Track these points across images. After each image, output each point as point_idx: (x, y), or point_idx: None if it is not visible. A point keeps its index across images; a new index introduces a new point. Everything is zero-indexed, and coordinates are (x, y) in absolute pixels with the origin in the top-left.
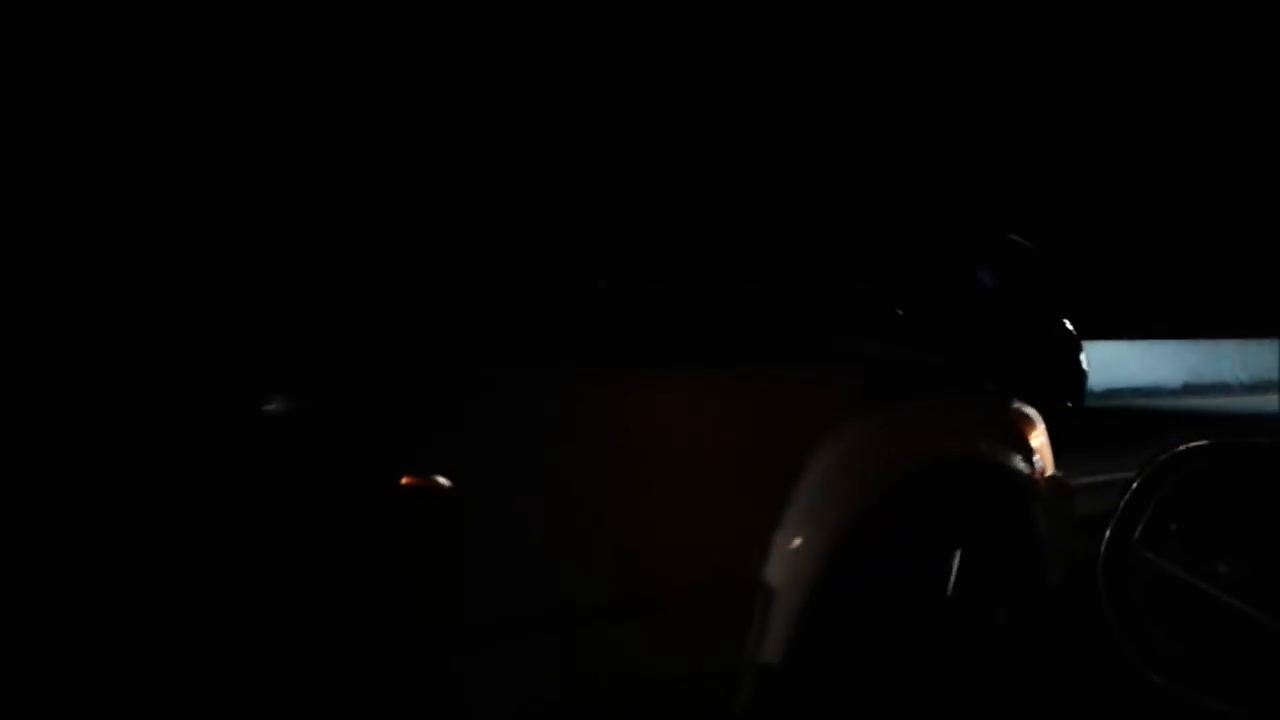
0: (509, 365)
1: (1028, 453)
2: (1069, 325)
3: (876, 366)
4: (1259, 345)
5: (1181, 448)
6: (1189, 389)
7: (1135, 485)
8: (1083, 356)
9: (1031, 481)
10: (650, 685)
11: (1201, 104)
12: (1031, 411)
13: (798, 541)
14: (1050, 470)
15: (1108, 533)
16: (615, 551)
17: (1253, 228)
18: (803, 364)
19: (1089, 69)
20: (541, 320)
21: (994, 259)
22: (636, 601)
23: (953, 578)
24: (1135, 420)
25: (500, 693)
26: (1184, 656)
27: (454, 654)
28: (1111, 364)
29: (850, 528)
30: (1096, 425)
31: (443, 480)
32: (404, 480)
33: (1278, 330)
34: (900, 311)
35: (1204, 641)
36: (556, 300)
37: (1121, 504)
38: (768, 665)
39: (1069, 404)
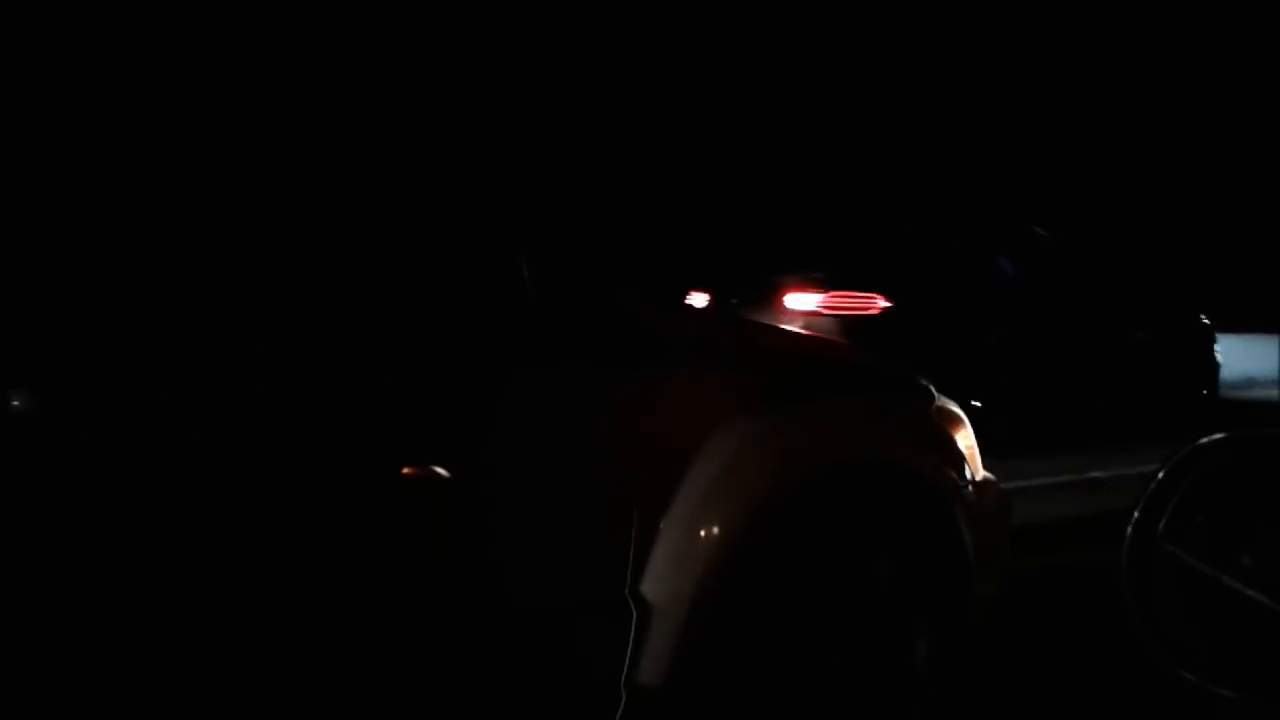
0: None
1: (953, 456)
2: (1204, 318)
3: (783, 364)
4: None
5: (1203, 441)
6: None
7: (1159, 478)
8: (1216, 348)
9: (956, 487)
10: (517, 705)
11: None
12: (958, 411)
13: (678, 552)
14: (980, 474)
15: (1131, 525)
16: (480, 560)
17: None
18: (690, 361)
19: (1170, 60)
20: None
21: (1017, 250)
22: (503, 613)
23: (874, 590)
24: (1270, 409)
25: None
26: (1204, 647)
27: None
28: (1235, 357)
29: (740, 536)
30: (1235, 413)
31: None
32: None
33: None
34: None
35: (1225, 633)
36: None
37: (1144, 497)
38: (647, 686)
39: (1204, 393)
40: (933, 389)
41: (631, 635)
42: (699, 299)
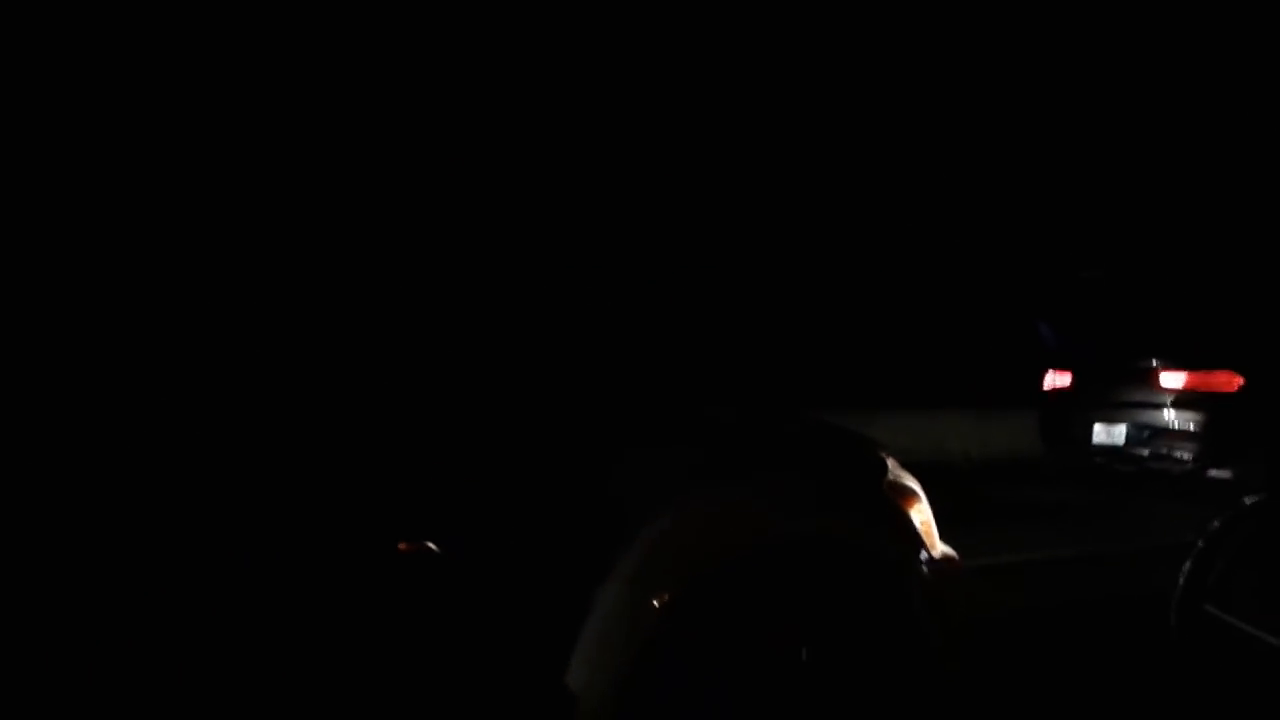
0: None
1: (904, 530)
2: None
3: (724, 436)
4: None
5: (1248, 500)
6: None
7: (1204, 540)
8: None
9: (906, 563)
10: None
11: None
12: (912, 483)
13: (595, 645)
14: (938, 549)
15: (1179, 588)
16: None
17: None
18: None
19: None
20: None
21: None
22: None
23: (802, 674)
24: None
25: None
26: (1257, 708)
27: None
28: None
29: (655, 632)
30: None
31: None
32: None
33: None
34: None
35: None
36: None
37: (1191, 558)
38: None
39: None
40: (888, 461)
41: None
42: (1061, 378)
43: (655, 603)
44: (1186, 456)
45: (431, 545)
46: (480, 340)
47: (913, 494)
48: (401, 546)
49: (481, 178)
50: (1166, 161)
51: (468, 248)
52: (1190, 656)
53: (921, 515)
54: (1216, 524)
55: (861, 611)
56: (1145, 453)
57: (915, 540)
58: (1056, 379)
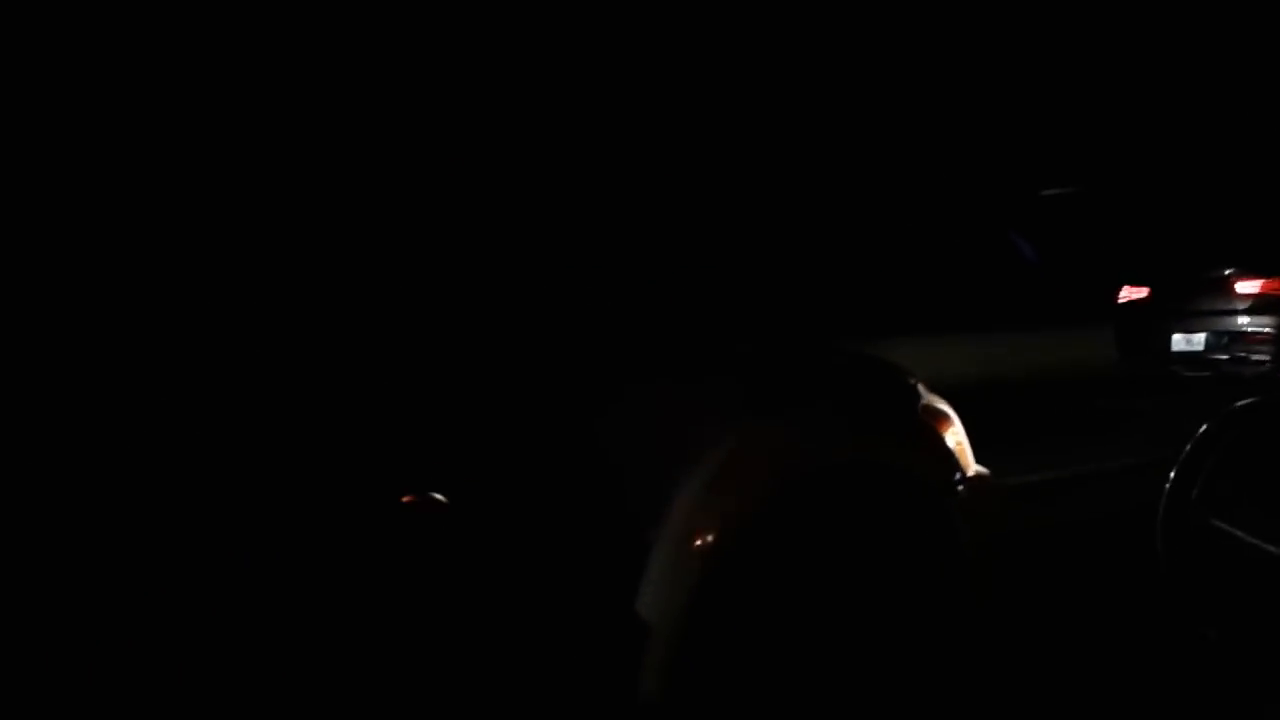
0: None
1: (940, 452)
2: None
3: (761, 370)
4: None
5: (1233, 406)
6: None
7: (1189, 447)
8: None
9: (943, 484)
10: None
11: None
12: (944, 406)
13: (669, 565)
14: (972, 470)
15: (1164, 495)
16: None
17: None
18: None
19: None
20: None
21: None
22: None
23: (863, 594)
24: None
25: None
26: (1241, 613)
27: None
28: None
29: (729, 546)
30: None
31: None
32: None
33: None
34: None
35: (1262, 598)
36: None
37: (1176, 466)
38: (647, 698)
39: None
40: (920, 387)
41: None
42: (1137, 291)
43: (715, 530)
44: (1261, 358)
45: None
46: (542, 288)
47: (945, 417)
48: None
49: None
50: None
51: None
52: (1180, 568)
53: (955, 437)
54: (1201, 430)
55: (903, 532)
56: (1224, 357)
57: (951, 461)
58: (1133, 292)
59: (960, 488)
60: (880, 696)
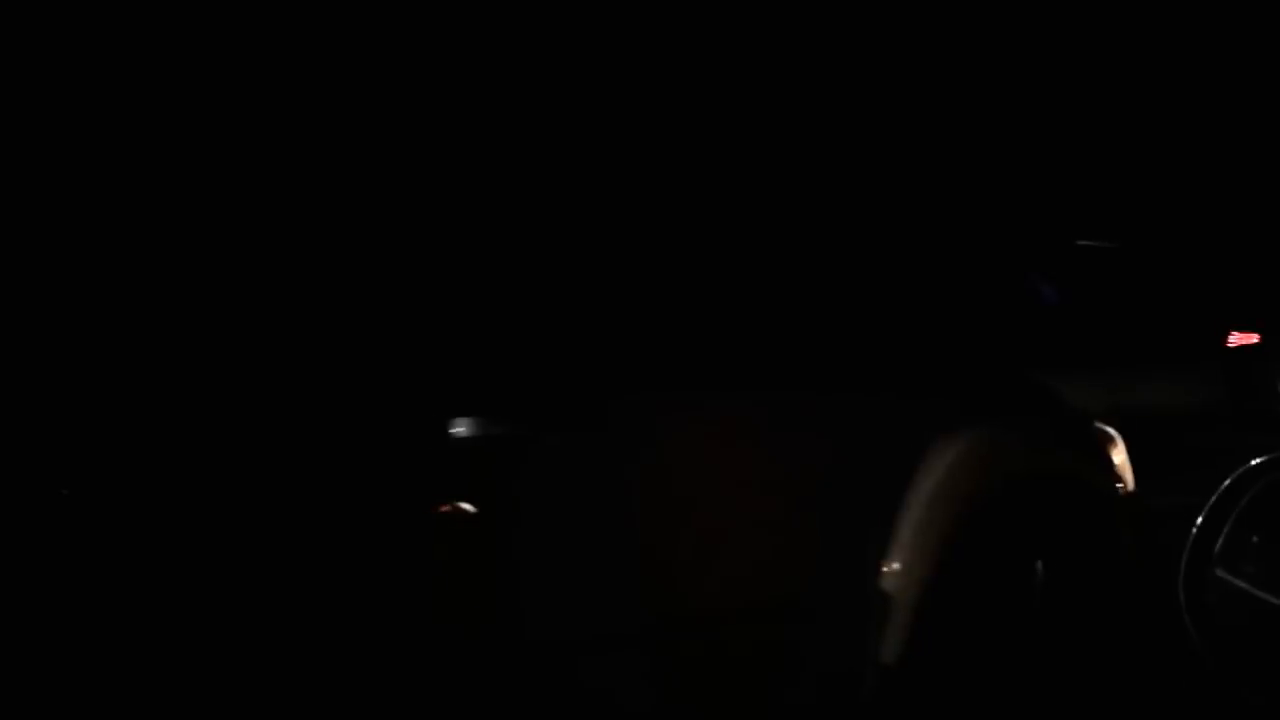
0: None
1: (1111, 467)
2: None
3: (968, 386)
4: None
5: (1256, 461)
6: None
7: (1213, 500)
8: None
9: (1114, 496)
10: (784, 685)
11: None
12: (1112, 431)
13: (906, 554)
14: (1131, 486)
15: (1187, 549)
16: (744, 564)
17: None
18: (903, 385)
19: None
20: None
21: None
22: (771, 608)
23: (1038, 588)
24: None
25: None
26: (1264, 669)
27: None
28: None
29: (949, 541)
30: None
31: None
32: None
33: None
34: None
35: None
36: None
37: (1200, 519)
38: (886, 665)
39: None
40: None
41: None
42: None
43: (947, 520)
44: None
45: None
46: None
47: (1113, 438)
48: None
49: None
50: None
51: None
52: (1207, 626)
53: (1120, 456)
54: (1226, 484)
55: (1083, 537)
56: None
57: (1118, 477)
58: (1242, 338)
59: (1125, 501)
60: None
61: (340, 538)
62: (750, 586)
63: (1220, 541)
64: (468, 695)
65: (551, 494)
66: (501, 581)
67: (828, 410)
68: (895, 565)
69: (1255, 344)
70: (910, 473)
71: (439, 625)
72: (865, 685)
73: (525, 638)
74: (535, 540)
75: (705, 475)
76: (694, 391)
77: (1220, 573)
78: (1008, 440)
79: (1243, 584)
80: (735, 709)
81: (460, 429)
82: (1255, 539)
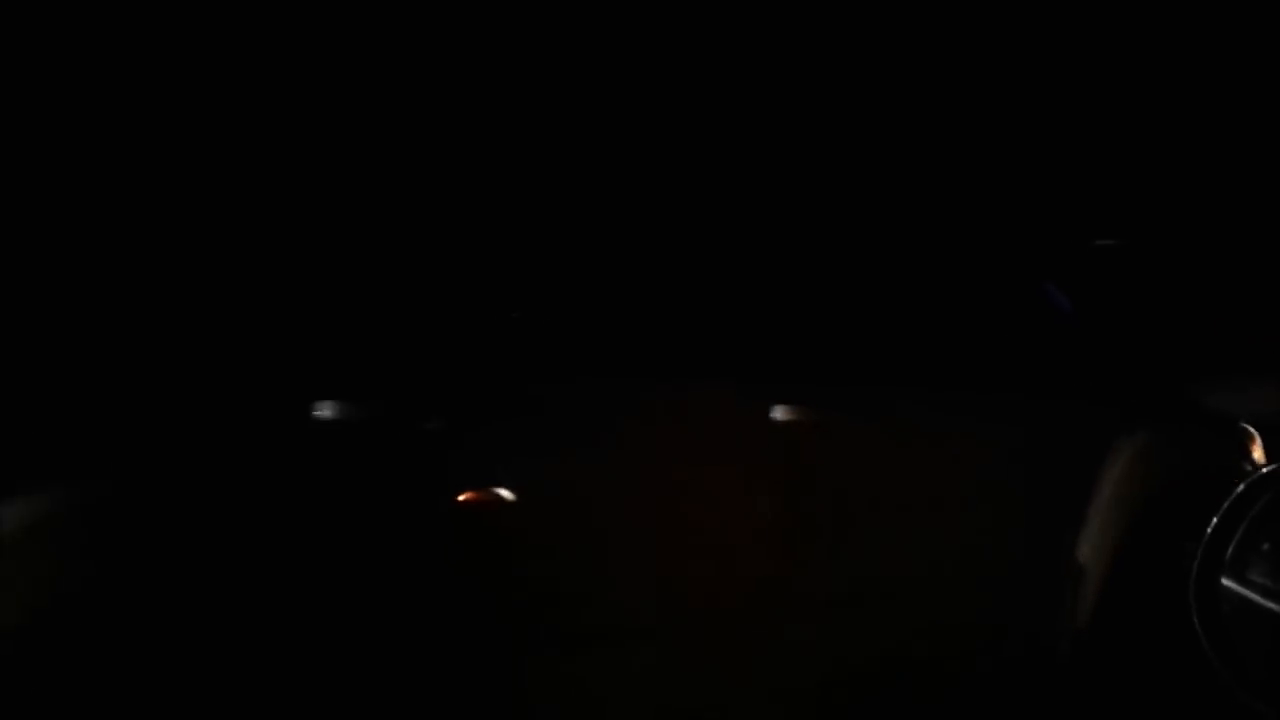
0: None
1: (1256, 464)
2: None
3: (1133, 393)
4: None
5: (1266, 469)
6: None
7: (1225, 508)
8: None
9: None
10: (998, 644)
11: None
12: (1252, 429)
13: (1095, 536)
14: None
15: (1198, 557)
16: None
17: None
18: (1088, 392)
19: None
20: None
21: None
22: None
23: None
24: None
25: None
26: (1273, 678)
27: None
28: None
29: (1127, 526)
30: None
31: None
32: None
33: None
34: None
35: None
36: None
37: (1212, 527)
38: (1079, 630)
39: None
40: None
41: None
42: None
43: (1124, 508)
44: None
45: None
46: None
47: (1254, 435)
48: None
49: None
50: None
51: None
52: (1220, 637)
53: (1258, 451)
54: (1232, 496)
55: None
56: None
57: (1261, 470)
58: None
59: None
60: None
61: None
62: (974, 559)
63: (1231, 549)
64: None
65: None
66: None
67: (1033, 413)
68: (1085, 547)
69: None
70: (1096, 467)
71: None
72: (1061, 647)
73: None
74: None
75: (950, 467)
76: (955, 394)
77: (1228, 581)
78: (1172, 441)
79: (1252, 594)
80: (958, 663)
81: None
82: (1266, 547)
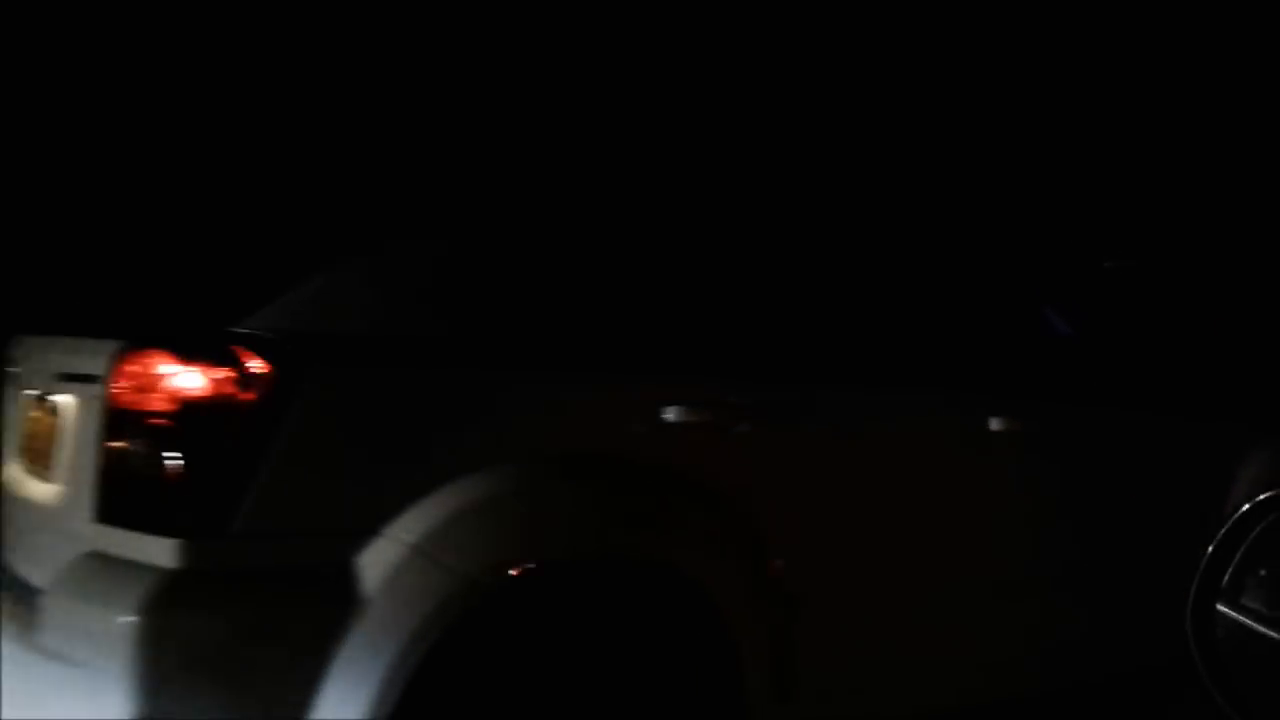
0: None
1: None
2: None
3: (1253, 408)
4: None
5: (1263, 496)
6: None
7: (1220, 535)
8: None
9: None
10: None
11: None
12: None
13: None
14: None
15: (1194, 583)
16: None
17: None
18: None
19: None
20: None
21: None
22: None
23: None
24: None
25: None
26: (1271, 704)
27: None
28: None
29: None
30: None
31: None
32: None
33: None
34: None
35: None
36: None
37: (1207, 554)
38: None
39: None
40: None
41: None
42: None
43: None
44: None
45: None
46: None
47: None
48: None
49: None
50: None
51: None
52: (1216, 663)
53: None
54: (1229, 522)
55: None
56: None
57: None
58: None
59: None
60: None
61: None
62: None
63: (1228, 575)
64: None
65: None
66: None
67: (1178, 431)
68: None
69: None
70: (1228, 479)
71: None
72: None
73: None
74: None
75: (1123, 474)
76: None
77: (1224, 607)
78: (1271, 459)
79: (1247, 619)
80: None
81: None
82: (1263, 572)
